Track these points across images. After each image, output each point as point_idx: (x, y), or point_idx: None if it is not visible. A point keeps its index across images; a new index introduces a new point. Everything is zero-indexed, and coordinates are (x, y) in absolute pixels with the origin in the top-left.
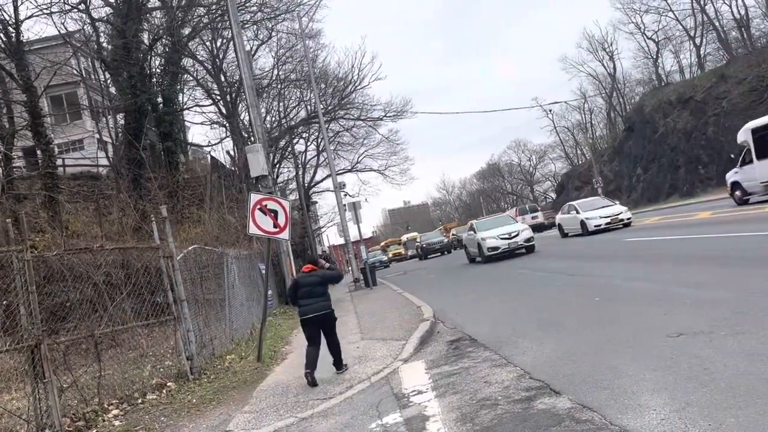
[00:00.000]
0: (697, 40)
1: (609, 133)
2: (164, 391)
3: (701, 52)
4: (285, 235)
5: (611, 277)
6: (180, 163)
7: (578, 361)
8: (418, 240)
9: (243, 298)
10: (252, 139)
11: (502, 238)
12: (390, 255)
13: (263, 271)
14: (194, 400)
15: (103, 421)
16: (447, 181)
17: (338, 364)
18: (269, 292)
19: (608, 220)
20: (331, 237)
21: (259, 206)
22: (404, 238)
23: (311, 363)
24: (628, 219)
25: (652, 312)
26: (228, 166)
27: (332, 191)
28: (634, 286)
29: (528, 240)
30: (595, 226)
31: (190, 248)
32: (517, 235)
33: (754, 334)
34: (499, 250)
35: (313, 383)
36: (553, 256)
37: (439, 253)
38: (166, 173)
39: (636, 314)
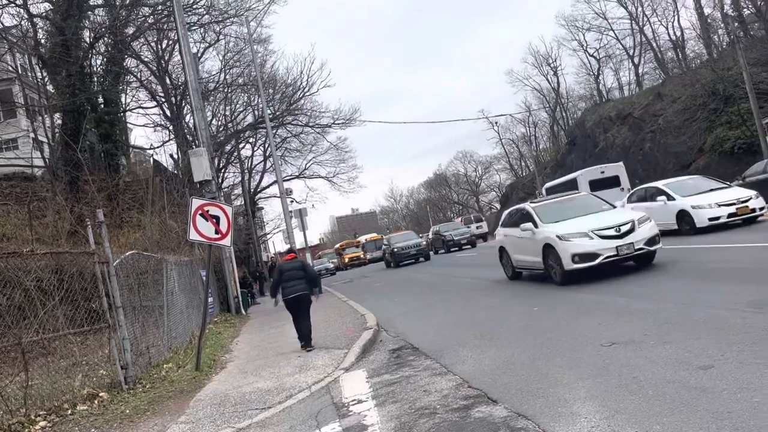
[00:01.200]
0: (636, 59)
1: (552, 146)
2: (96, 401)
3: (639, 71)
4: (227, 241)
5: (547, 287)
6: (121, 165)
7: (515, 369)
8: (386, 242)
9: (183, 305)
10: (196, 143)
11: (601, 236)
12: (345, 260)
13: (205, 278)
14: (128, 411)
15: None
16: (395, 189)
17: (308, 342)
18: (210, 299)
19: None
20: (277, 244)
21: (200, 212)
22: (363, 239)
23: (301, 335)
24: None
25: (587, 322)
26: (171, 170)
27: (279, 197)
28: (572, 296)
29: (651, 241)
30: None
31: (127, 254)
32: (630, 230)
33: (680, 344)
34: (598, 260)
35: (307, 346)
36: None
37: (413, 260)
38: (105, 176)
39: (572, 324)
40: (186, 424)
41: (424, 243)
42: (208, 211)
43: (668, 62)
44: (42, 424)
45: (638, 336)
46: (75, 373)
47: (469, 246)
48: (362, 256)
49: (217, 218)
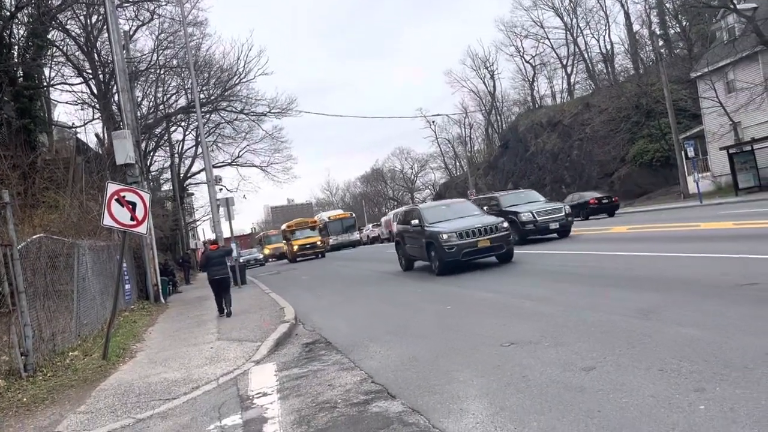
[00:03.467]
0: (569, 69)
1: (486, 148)
2: None
3: (571, 80)
4: (142, 228)
5: (465, 287)
6: (40, 143)
7: (418, 366)
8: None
9: (96, 291)
10: (122, 124)
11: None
12: (294, 248)
13: (124, 265)
14: (25, 399)
15: None
16: (332, 182)
17: (229, 312)
18: (128, 286)
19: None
20: (207, 231)
21: (116, 197)
22: (324, 217)
23: (221, 308)
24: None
25: (492, 322)
26: (96, 150)
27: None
28: (483, 296)
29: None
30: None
31: (34, 237)
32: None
33: (571, 346)
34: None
35: (228, 315)
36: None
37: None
38: (21, 153)
39: (477, 323)
40: (84, 414)
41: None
42: (124, 196)
43: (598, 74)
44: None
45: (536, 337)
46: None
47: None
48: (320, 242)
49: (134, 204)
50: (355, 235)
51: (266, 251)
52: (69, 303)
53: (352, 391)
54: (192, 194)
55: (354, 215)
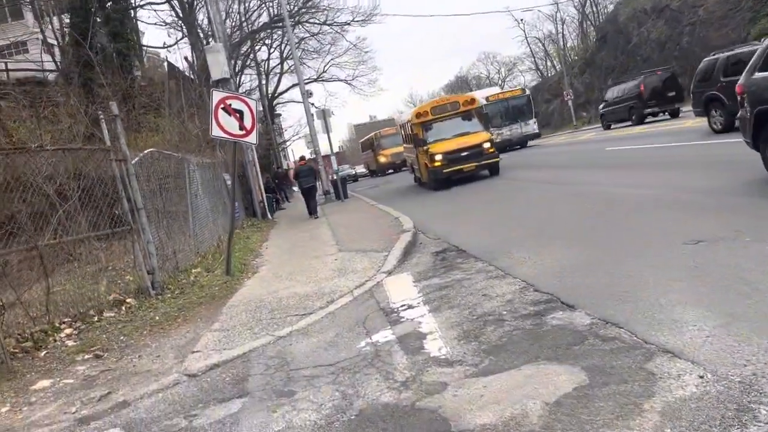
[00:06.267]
0: None
1: (581, 45)
2: (123, 308)
3: None
4: (252, 138)
5: (599, 185)
6: (134, 67)
7: (586, 271)
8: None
9: (207, 209)
10: (208, 42)
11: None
12: (434, 158)
13: (228, 182)
14: (157, 318)
15: (55, 341)
16: (414, 94)
17: (315, 213)
18: (236, 204)
19: None
20: (296, 151)
21: (222, 105)
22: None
23: (310, 211)
24: None
25: (659, 218)
26: (186, 73)
27: (297, 102)
28: (629, 192)
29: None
30: None
31: (146, 151)
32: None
33: None
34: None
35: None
36: (528, 167)
37: None
38: (119, 77)
39: (641, 221)
40: (220, 332)
41: None
42: (230, 104)
43: None
44: (67, 331)
45: (728, 233)
46: (101, 279)
47: None
48: (488, 144)
49: (241, 113)
50: (531, 125)
51: (381, 159)
52: (181, 223)
53: (515, 301)
54: (279, 115)
55: (528, 92)
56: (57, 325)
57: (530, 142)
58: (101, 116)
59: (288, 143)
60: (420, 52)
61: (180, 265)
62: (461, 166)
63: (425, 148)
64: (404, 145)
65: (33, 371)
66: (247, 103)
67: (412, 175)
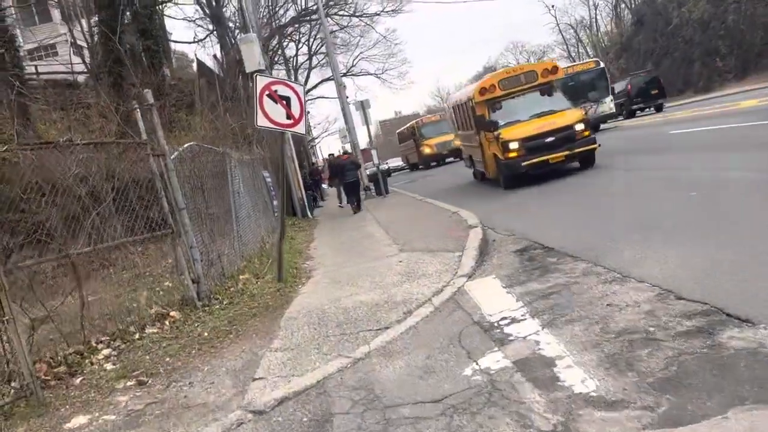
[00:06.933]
0: None
1: (615, 29)
2: (167, 322)
3: None
4: (300, 128)
5: (690, 170)
6: (163, 63)
7: (735, 272)
8: None
9: (249, 208)
10: (237, 36)
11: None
12: (508, 146)
13: (268, 180)
14: (206, 334)
15: (91, 364)
16: (441, 87)
17: (359, 207)
18: (275, 202)
19: None
20: (324, 149)
21: (267, 92)
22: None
23: (354, 205)
24: None
25: None
26: (216, 72)
27: (327, 98)
28: (732, 176)
29: None
30: None
31: (185, 145)
32: None
33: None
34: None
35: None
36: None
37: None
38: (149, 74)
39: (763, 209)
40: (283, 352)
41: None
42: (276, 91)
43: None
44: (105, 352)
45: None
46: (139, 288)
47: None
48: (581, 124)
49: (288, 100)
50: (607, 104)
51: (426, 150)
52: (222, 225)
53: (658, 313)
54: (308, 112)
55: (602, 65)
56: (93, 344)
57: (603, 125)
58: (135, 106)
59: (318, 140)
60: (447, 43)
61: (226, 271)
62: (546, 156)
63: (495, 133)
64: (458, 132)
65: (67, 404)
66: (294, 90)
67: (471, 169)
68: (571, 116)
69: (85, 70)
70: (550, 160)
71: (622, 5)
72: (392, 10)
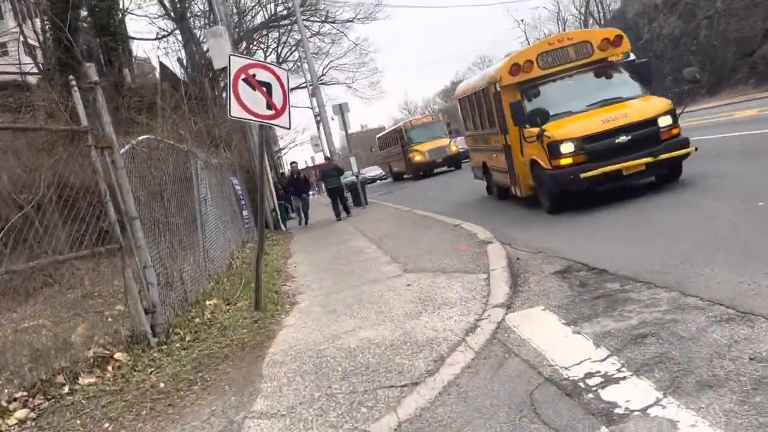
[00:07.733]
0: None
1: None
2: (110, 367)
3: None
4: (283, 120)
5: (747, 176)
6: (123, 62)
7: None
8: None
9: (217, 218)
10: (215, 20)
11: None
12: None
13: (237, 187)
14: (162, 384)
15: None
16: (409, 101)
17: (347, 212)
18: (245, 212)
19: None
20: (288, 159)
21: (243, 76)
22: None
23: (337, 214)
24: None
25: None
26: (180, 77)
27: (297, 107)
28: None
29: None
30: None
31: (140, 138)
32: None
33: None
34: None
35: (339, 219)
36: None
37: None
38: (106, 71)
39: None
40: (272, 420)
41: None
42: (254, 75)
43: None
44: (20, 414)
45: None
46: (74, 318)
47: None
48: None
49: (268, 87)
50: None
51: (416, 157)
52: (182, 237)
53: None
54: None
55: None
56: (4, 404)
57: None
58: (72, 84)
59: (284, 151)
60: (417, 58)
61: (189, 296)
62: (618, 165)
63: (539, 131)
64: (468, 133)
65: None
66: (276, 74)
67: (482, 181)
68: (650, 107)
69: (38, 71)
70: (624, 171)
71: (591, 20)
72: (365, 17)
